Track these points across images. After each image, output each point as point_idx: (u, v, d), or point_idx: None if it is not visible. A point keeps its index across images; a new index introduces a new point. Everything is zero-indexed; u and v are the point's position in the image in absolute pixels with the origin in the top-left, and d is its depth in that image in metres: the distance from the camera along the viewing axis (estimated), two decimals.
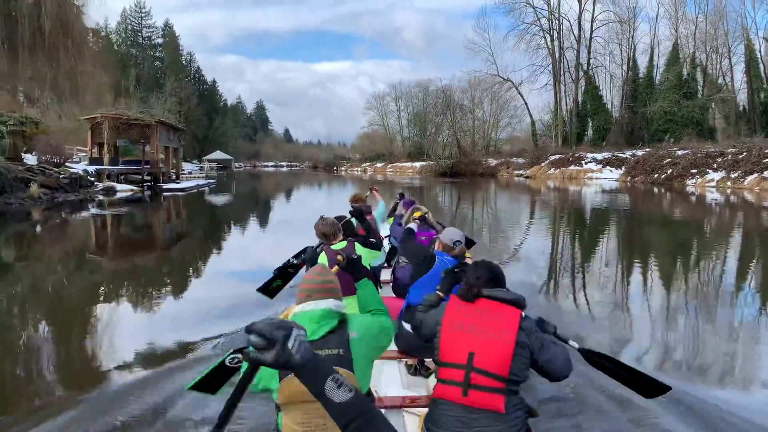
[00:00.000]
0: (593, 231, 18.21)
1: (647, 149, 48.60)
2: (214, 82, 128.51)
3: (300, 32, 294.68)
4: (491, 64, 72.78)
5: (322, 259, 4.46)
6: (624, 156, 48.74)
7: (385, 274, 6.68)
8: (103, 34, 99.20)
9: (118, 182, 31.79)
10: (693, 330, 6.87)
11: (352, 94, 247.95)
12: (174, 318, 7.55)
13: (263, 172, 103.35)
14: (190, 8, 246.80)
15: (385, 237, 7.74)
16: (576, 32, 68.96)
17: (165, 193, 31.23)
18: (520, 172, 56.10)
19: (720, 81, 64.59)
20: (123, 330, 6.97)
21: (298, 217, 20.48)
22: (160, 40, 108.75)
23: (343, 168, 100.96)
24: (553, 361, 2.66)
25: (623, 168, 46.27)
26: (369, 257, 4.68)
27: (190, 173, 55.96)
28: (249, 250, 13.85)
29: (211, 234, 18.10)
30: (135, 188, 31.89)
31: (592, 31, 68.20)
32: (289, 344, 1.29)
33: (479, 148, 74.50)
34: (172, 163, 40.02)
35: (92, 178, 30.30)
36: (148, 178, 35.04)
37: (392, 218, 7.89)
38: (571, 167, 49.81)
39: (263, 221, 21.31)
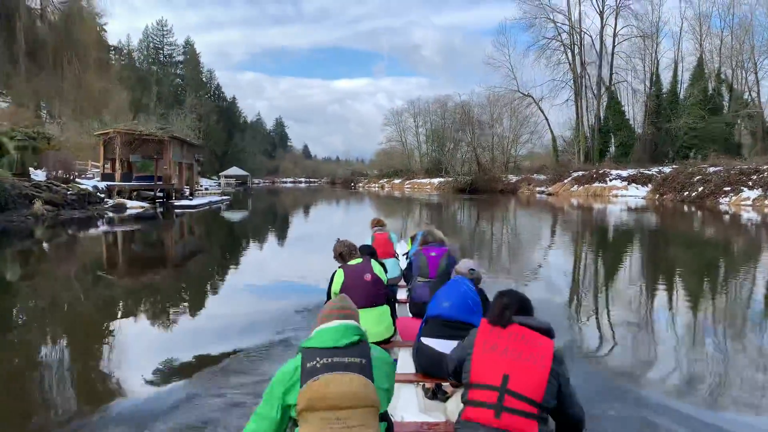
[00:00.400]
0: (622, 251, 16.74)
1: (674, 166, 46.68)
2: (234, 99, 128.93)
3: (318, 49, 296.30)
4: (511, 79, 71.38)
5: (339, 274, 4.73)
6: (650, 173, 46.83)
7: (401, 294, 6.81)
8: (125, 51, 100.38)
9: (130, 198, 30.70)
10: (722, 357, 6.22)
11: (370, 110, 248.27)
12: (184, 336, 7.18)
13: (281, 188, 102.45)
14: (210, 27, 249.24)
15: (403, 254, 8.42)
16: (597, 47, 67.46)
17: (176, 210, 30.02)
18: (542, 189, 54.32)
19: (746, 96, 62.68)
20: (129, 349, 6.58)
21: (312, 235, 19.34)
22: (181, 58, 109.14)
23: (360, 184, 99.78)
24: (573, 397, 2.64)
25: (650, 185, 44.30)
26: (383, 274, 4.86)
27: (206, 189, 54.90)
28: (258, 271, 12.56)
29: (218, 254, 16.78)
30: (146, 205, 30.74)
31: (614, 46, 66.61)
32: None
33: (498, 164, 72.95)
34: (186, 179, 39.06)
35: (102, 195, 29.22)
36: (161, 194, 33.97)
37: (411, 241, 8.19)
38: (595, 184, 47.94)
39: (274, 242, 19.89)
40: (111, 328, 7.42)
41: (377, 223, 7.81)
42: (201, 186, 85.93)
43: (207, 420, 4.15)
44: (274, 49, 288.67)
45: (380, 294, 4.80)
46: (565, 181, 51.14)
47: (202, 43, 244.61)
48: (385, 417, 2.59)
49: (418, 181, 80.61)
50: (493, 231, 24.04)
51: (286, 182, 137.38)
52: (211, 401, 4.50)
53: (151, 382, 5.16)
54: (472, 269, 4.34)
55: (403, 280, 7.05)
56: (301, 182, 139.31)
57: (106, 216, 26.37)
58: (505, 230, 24.58)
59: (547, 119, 71.01)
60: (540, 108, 70.78)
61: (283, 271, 12.00)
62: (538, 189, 55.42)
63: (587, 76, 68.65)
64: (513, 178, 62.43)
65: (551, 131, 70.52)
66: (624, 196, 44.57)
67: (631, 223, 26.84)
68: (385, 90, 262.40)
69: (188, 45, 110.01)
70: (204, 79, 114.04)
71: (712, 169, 37.76)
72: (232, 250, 17.78)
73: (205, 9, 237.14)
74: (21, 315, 8.43)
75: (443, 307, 4.07)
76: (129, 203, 29.52)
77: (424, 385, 4.17)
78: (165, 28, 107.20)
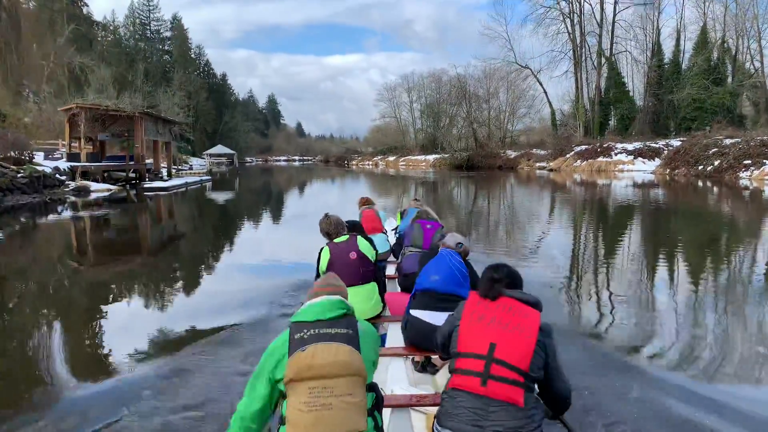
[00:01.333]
0: (635, 232, 14.76)
1: (681, 138, 43.47)
2: (224, 75, 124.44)
3: (311, 26, 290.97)
4: (508, 51, 67.60)
5: (325, 252, 4.67)
6: (657, 146, 43.65)
7: (390, 270, 6.66)
8: (111, 28, 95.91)
9: (96, 180, 27.31)
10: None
11: (363, 87, 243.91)
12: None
13: (274, 167, 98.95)
14: (200, 3, 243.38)
15: (392, 230, 8.12)
16: (598, 16, 63.69)
17: (146, 193, 26.63)
18: (543, 164, 51.05)
19: (748, 66, 59.35)
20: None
21: (297, 217, 16.79)
22: (168, 34, 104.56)
23: (353, 162, 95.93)
24: (559, 371, 2.62)
25: (658, 159, 41.12)
26: (370, 252, 4.76)
27: (191, 169, 51.42)
28: (209, 275, 10.14)
29: (187, 242, 13.97)
30: (114, 187, 27.40)
31: (615, 15, 62.94)
32: None
33: (495, 139, 69.41)
34: (162, 158, 35.62)
35: (63, 177, 25.82)
36: (134, 175, 30.56)
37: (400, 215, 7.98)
38: (600, 159, 44.72)
39: (250, 227, 16.78)
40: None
41: (365, 202, 7.59)
42: (189, 165, 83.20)
43: (202, 397, 4.22)
44: (266, 26, 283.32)
45: (368, 271, 4.70)
46: (568, 156, 47.82)
47: (192, 20, 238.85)
48: (373, 388, 2.47)
49: (413, 158, 76.96)
50: (492, 210, 21.73)
51: (279, 160, 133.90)
52: (204, 377, 4.58)
53: (141, 360, 5.15)
54: (460, 242, 4.26)
55: (392, 255, 6.93)
56: (294, 160, 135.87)
57: (67, 200, 23.22)
58: (504, 209, 21.98)
59: (545, 92, 67.53)
60: (538, 80, 67.23)
61: (258, 259, 10.99)
62: (538, 165, 52.15)
63: (587, 47, 65.04)
64: (512, 154, 58.98)
65: (550, 104, 67.07)
66: (630, 171, 41.47)
67: (642, 200, 23.94)
68: (379, 66, 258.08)
69: (176, 20, 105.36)
70: (193, 55, 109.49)
71: (728, 141, 34.52)
72: (201, 237, 15.37)
73: None
74: None
75: (432, 280, 3.97)
76: (94, 186, 26.21)
77: (413, 359, 4.18)
78: (151, 3, 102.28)
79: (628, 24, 63.12)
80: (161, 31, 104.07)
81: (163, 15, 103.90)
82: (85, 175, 27.32)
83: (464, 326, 2.62)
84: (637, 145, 44.75)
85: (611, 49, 63.39)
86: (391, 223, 9.12)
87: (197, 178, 35.59)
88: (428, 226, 5.66)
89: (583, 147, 47.47)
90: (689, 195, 26.18)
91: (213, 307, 7.05)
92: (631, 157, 43.41)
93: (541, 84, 67.24)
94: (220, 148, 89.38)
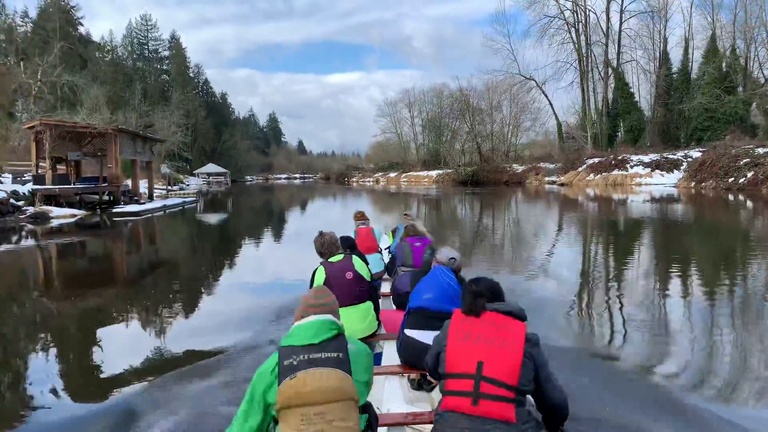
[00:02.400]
0: (679, 261, 11.63)
1: (701, 149, 39.95)
2: (223, 94, 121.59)
3: (310, 44, 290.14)
4: (511, 62, 64.36)
5: (320, 272, 4.50)
6: (675, 157, 40.04)
7: (385, 287, 6.53)
8: (108, 49, 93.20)
9: (63, 205, 23.82)
10: None
11: (364, 104, 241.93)
12: None
13: (274, 185, 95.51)
14: (201, 24, 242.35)
15: (385, 249, 7.89)
16: (603, 26, 60.53)
17: (115, 219, 23.06)
18: (552, 178, 47.46)
19: (757, 74, 56.33)
20: None
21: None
22: (166, 53, 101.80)
23: (354, 179, 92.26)
24: (551, 380, 2.56)
25: (677, 171, 37.60)
26: (366, 271, 4.63)
27: (180, 189, 47.85)
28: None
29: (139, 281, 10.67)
30: (79, 212, 23.85)
31: (621, 24, 59.84)
32: None
33: (498, 154, 65.85)
34: (148, 179, 32.13)
35: (20, 203, 22.32)
36: (108, 198, 27.01)
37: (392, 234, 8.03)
38: (615, 172, 41.09)
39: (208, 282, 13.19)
40: None
41: (360, 217, 7.44)
42: (186, 185, 79.77)
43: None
44: (267, 45, 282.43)
45: (363, 291, 4.59)
46: (580, 169, 44.21)
47: (193, 40, 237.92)
48: (366, 409, 2.45)
49: (415, 173, 73.40)
50: (501, 230, 19.18)
51: (279, 178, 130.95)
52: (190, 407, 4.30)
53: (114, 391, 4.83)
54: (453, 258, 4.07)
55: (386, 273, 6.74)
56: (295, 178, 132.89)
57: (26, 228, 19.88)
58: (514, 229, 19.25)
59: (550, 103, 64.16)
60: (543, 92, 63.92)
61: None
62: (547, 179, 48.53)
63: (593, 57, 61.83)
64: (518, 168, 55.38)
65: (556, 116, 63.70)
66: (649, 185, 37.80)
67: (673, 218, 20.83)
68: (379, 83, 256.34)
69: (174, 40, 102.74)
70: (191, 74, 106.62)
71: (761, 150, 30.91)
72: (168, 267, 12.67)
73: (194, 6, 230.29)
74: None
75: (425, 299, 3.86)
76: (56, 211, 22.68)
77: (409, 377, 4.08)
78: (149, 23, 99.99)
79: (635, 33, 60.09)
80: (159, 50, 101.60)
81: (161, 34, 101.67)
82: (50, 199, 23.79)
83: (451, 346, 2.54)
84: (654, 156, 41.19)
85: (618, 58, 60.32)
86: (385, 241, 8.96)
87: (179, 201, 31.89)
88: (417, 244, 5.61)
89: (596, 160, 43.89)
90: (724, 211, 22.70)
91: (190, 335, 6.56)
92: (648, 170, 39.84)
93: (546, 95, 64.04)
94: (211, 167, 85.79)
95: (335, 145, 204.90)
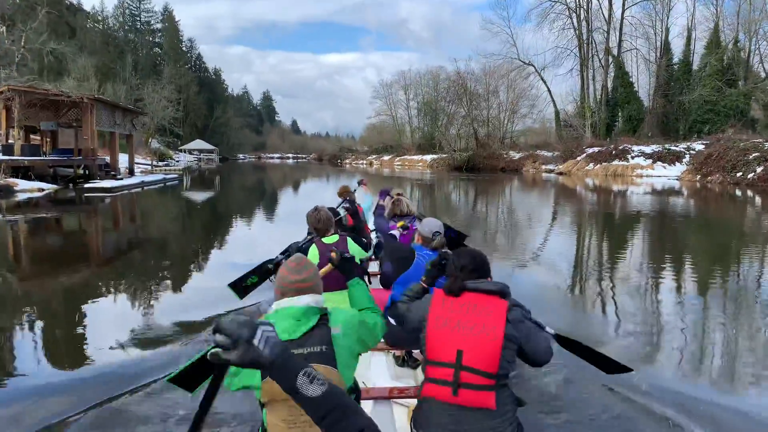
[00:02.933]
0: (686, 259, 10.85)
1: (704, 141, 38.51)
2: (216, 70, 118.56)
3: (307, 23, 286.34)
4: (510, 46, 62.40)
5: (313, 251, 4.14)
6: (678, 149, 38.51)
7: (373, 266, 6.25)
8: (100, 18, 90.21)
9: (28, 178, 21.98)
10: None
11: (359, 85, 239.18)
12: None
13: (266, 164, 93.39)
14: None
15: (372, 231, 7.26)
16: (605, 12, 58.66)
17: (86, 195, 21.25)
18: (550, 167, 45.88)
19: (757, 67, 55.12)
20: None
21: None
22: (159, 26, 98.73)
23: (347, 161, 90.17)
24: (537, 349, 2.46)
25: (679, 164, 36.15)
26: (360, 255, 4.31)
27: (167, 165, 45.83)
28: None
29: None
30: (49, 186, 22.01)
31: (623, 11, 57.99)
32: (255, 341, 1.20)
33: (494, 140, 64.02)
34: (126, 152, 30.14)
35: None
36: (84, 172, 25.10)
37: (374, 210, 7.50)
38: (615, 162, 39.50)
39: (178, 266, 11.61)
40: None
41: (345, 192, 6.79)
42: (175, 160, 77.46)
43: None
44: (263, 23, 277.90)
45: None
46: (579, 158, 42.64)
47: (188, 15, 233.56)
48: (353, 390, 2.37)
49: (410, 157, 71.53)
50: (497, 218, 18.53)
51: (273, 158, 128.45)
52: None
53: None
54: (437, 232, 3.80)
55: (373, 256, 6.18)
56: (288, 158, 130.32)
57: None
58: (511, 217, 18.74)
59: (549, 90, 62.39)
60: (542, 78, 62.16)
61: None
62: (545, 167, 46.96)
63: (593, 44, 59.99)
64: (515, 155, 53.70)
65: (554, 103, 61.94)
66: (650, 176, 36.35)
67: (678, 212, 19.51)
68: (375, 65, 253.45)
69: (167, 12, 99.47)
70: (184, 48, 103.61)
71: None
72: (137, 250, 11.66)
73: None
74: None
75: None
76: (22, 184, 20.81)
77: (394, 354, 4.10)
78: None
79: (637, 21, 58.32)
80: (152, 22, 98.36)
81: (153, 6, 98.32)
82: (19, 171, 21.92)
83: (430, 333, 2.44)
84: (656, 148, 39.67)
85: (619, 46, 58.54)
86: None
87: (160, 177, 29.95)
88: (404, 232, 5.08)
89: (596, 149, 42.33)
90: (732, 206, 21.37)
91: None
92: (649, 161, 38.33)
93: (545, 82, 62.29)
94: (198, 143, 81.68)
95: (330, 127, 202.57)
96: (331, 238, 4.30)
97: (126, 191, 23.04)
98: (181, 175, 36.92)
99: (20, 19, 56.06)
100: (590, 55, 59.42)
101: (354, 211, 5.27)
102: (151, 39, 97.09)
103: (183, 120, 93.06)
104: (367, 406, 2.98)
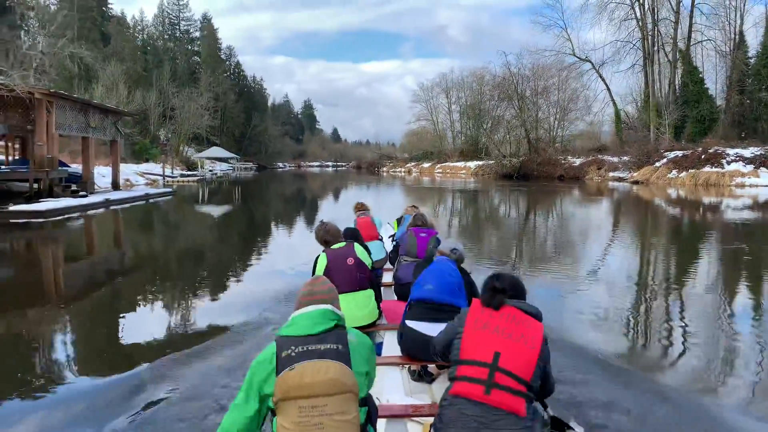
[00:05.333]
0: None
1: None
2: (256, 78, 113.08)
3: (346, 32, 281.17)
4: (565, 41, 54.12)
5: (322, 258, 4.28)
6: None
7: (387, 277, 6.19)
8: (140, 28, 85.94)
9: None
10: None
11: (399, 93, 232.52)
12: None
13: (305, 173, 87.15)
14: (239, 10, 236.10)
15: (389, 237, 7.57)
16: (674, 0, 49.78)
17: (12, 219, 14.49)
18: (618, 174, 37.51)
19: None
20: None
21: None
22: (197, 34, 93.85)
23: (384, 168, 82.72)
24: (550, 374, 2.49)
25: None
26: (366, 260, 4.40)
27: (180, 176, 39.22)
28: None
29: None
30: None
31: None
32: None
33: (543, 144, 55.40)
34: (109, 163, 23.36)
35: None
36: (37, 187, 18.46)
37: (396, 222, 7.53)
38: (706, 169, 30.94)
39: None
40: None
41: (360, 208, 7.08)
42: (209, 169, 71.73)
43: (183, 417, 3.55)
44: (303, 33, 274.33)
45: (364, 278, 4.37)
46: (658, 164, 34.13)
47: (231, 27, 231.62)
48: (366, 402, 2.30)
49: (452, 164, 63.65)
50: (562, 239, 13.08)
51: (312, 166, 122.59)
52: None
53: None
54: (455, 249, 3.92)
55: (388, 262, 6.51)
56: (328, 166, 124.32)
57: None
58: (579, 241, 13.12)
59: (608, 88, 53.68)
60: (600, 75, 53.57)
61: None
62: (612, 174, 38.55)
63: (659, 36, 51.16)
64: (576, 161, 45.22)
65: (614, 103, 53.36)
66: (756, 186, 27.78)
67: None
68: (414, 72, 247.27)
69: (206, 20, 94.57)
70: (223, 56, 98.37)
71: None
72: None
73: None
74: None
75: (426, 289, 3.66)
76: None
77: (409, 368, 3.85)
78: (181, 2, 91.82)
79: (710, 9, 49.32)
80: (191, 30, 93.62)
81: (193, 15, 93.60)
82: None
83: (468, 334, 2.41)
84: (756, 151, 30.93)
85: (689, 38, 49.61)
86: (387, 230, 8.54)
87: (140, 192, 22.93)
88: (422, 234, 5.24)
89: (679, 153, 33.81)
90: None
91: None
92: (751, 167, 29.64)
93: (603, 79, 53.62)
94: (216, 151, 72.12)
95: (370, 134, 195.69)
96: (338, 244, 4.34)
97: (74, 214, 16.23)
98: (207, 184, 30.03)
99: (40, 24, 50.84)
100: (656, 48, 50.73)
101: (355, 237, 4.79)
102: (189, 47, 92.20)
103: (220, 129, 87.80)
104: (381, 424, 2.75)
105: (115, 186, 23.55)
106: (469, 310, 2.49)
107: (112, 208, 18.34)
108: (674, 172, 32.44)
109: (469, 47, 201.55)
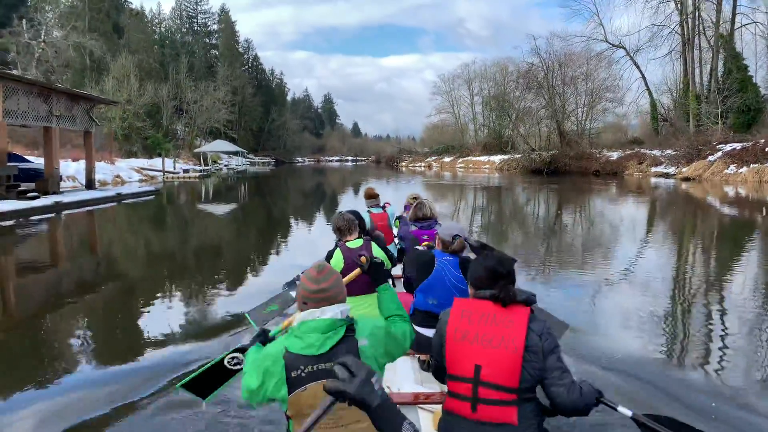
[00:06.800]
0: None
1: None
2: (274, 72, 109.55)
3: (366, 27, 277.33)
4: (597, 26, 49.34)
5: (337, 256, 4.00)
6: None
7: (397, 269, 5.45)
8: (157, 21, 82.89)
9: None
10: None
11: (419, 87, 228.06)
12: None
13: (323, 167, 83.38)
14: (260, 5, 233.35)
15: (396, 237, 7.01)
16: None
17: None
18: (661, 169, 32.91)
19: None
20: None
21: None
22: (215, 27, 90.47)
23: (403, 163, 78.34)
24: (559, 374, 2.11)
25: None
26: (384, 259, 3.90)
27: (184, 171, 35.65)
28: None
29: None
30: None
31: None
32: (373, 380, 1.27)
33: (574, 137, 50.61)
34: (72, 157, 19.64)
35: None
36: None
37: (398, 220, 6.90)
38: None
39: None
40: None
41: (371, 195, 6.42)
42: (225, 164, 68.33)
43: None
44: (324, 28, 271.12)
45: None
46: (711, 158, 29.48)
47: (252, 22, 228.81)
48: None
49: (474, 159, 59.18)
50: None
51: (331, 160, 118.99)
52: None
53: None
54: (456, 235, 3.48)
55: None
56: (347, 161, 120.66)
57: None
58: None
59: (643, 77, 48.78)
60: (635, 63, 48.64)
61: None
62: (655, 170, 33.94)
63: (700, 20, 46.09)
64: (614, 155, 40.46)
65: (649, 92, 48.47)
66: None
67: None
68: (434, 66, 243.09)
69: (223, 13, 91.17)
70: (240, 49, 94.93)
71: None
72: None
73: None
74: None
75: (431, 304, 3.49)
76: None
77: (419, 358, 3.75)
78: None
79: None
80: (208, 23, 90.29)
81: (210, 8, 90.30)
82: None
83: (449, 347, 2.24)
84: None
85: (732, 22, 44.51)
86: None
87: (111, 193, 18.90)
88: (425, 237, 4.66)
89: (736, 146, 29.07)
90: None
91: None
92: None
93: (638, 67, 48.72)
94: (220, 144, 65.77)
95: (390, 128, 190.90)
96: (355, 243, 4.09)
97: (9, 222, 12.44)
98: (211, 177, 26.13)
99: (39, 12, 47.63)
100: (696, 32, 45.69)
101: (373, 236, 4.54)
102: (207, 41, 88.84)
103: (238, 123, 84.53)
104: None
105: (89, 184, 19.84)
106: (449, 319, 2.25)
107: (64, 213, 14.58)
108: (732, 167, 27.78)
109: (489, 40, 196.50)
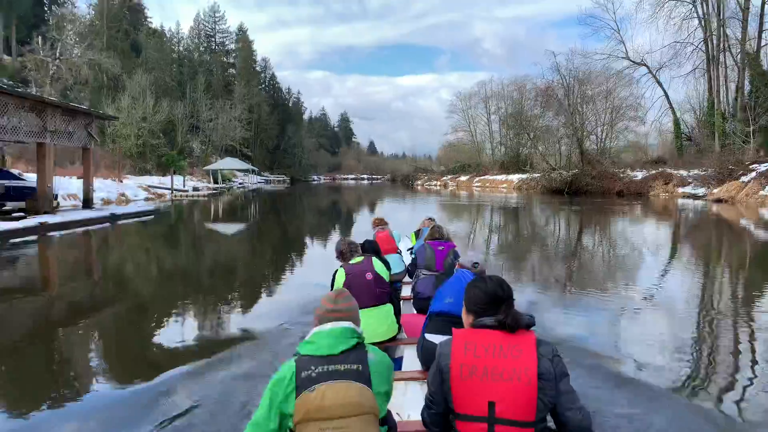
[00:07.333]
0: None
1: None
2: (290, 90, 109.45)
3: (383, 46, 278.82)
4: (618, 43, 47.81)
5: (340, 275, 4.08)
6: None
7: (406, 291, 5.86)
8: (176, 40, 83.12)
9: None
10: None
11: (434, 106, 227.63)
12: None
13: (339, 185, 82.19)
14: (278, 26, 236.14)
15: (407, 250, 7.30)
16: None
17: None
18: (692, 190, 31.08)
19: None
20: None
21: None
22: (233, 46, 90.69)
23: (419, 182, 76.84)
24: (570, 397, 2.03)
25: None
26: (384, 274, 4.17)
27: (201, 187, 34.55)
28: None
29: None
30: None
31: None
32: None
33: (596, 156, 48.77)
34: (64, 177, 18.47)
35: None
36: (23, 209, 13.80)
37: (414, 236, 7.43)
38: None
39: None
40: None
41: (379, 223, 6.69)
42: (237, 182, 67.36)
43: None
44: (340, 47, 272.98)
45: (383, 292, 4.12)
46: (745, 179, 27.61)
47: (270, 42, 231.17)
48: (386, 420, 2.22)
49: (491, 177, 57.58)
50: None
51: (347, 179, 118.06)
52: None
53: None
54: (476, 263, 3.72)
55: (407, 276, 5.93)
56: (363, 179, 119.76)
57: None
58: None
59: (666, 95, 47.00)
60: (657, 81, 46.88)
61: None
62: (682, 191, 32.10)
63: (725, 36, 44.38)
64: (638, 175, 38.62)
65: (673, 111, 46.58)
66: None
67: None
68: (451, 86, 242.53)
69: (241, 32, 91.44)
70: (258, 68, 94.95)
71: None
72: None
73: (272, 9, 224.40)
74: None
75: (446, 303, 3.44)
76: None
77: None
78: (217, 15, 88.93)
79: None
80: (226, 42, 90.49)
81: (228, 27, 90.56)
82: None
83: (455, 386, 2.08)
84: None
85: (759, 39, 42.72)
86: (406, 243, 8.10)
87: (105, 213, 17.56)
88: (440, 248, 5.00)
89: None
90: None
91: None
92: None
93: (661, 85, 46.96)
94: (230, 161, 63.33)
95: (406, 147, 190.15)
96: (356, 259, 4.16)
97: None
98: (209, 198, 24.87)
99: (59, 30, 47.37)
100: (722, 48, 43.98)
101: (375, 251, 4.58)
102: (225, 59, 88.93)
103: (254, 140, 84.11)
104: None
105: (87, 203, 18.69)
106: (452, 353, 2.09)
107: (50, 234, 13.36)
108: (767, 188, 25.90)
109: (505, 60, 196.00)
